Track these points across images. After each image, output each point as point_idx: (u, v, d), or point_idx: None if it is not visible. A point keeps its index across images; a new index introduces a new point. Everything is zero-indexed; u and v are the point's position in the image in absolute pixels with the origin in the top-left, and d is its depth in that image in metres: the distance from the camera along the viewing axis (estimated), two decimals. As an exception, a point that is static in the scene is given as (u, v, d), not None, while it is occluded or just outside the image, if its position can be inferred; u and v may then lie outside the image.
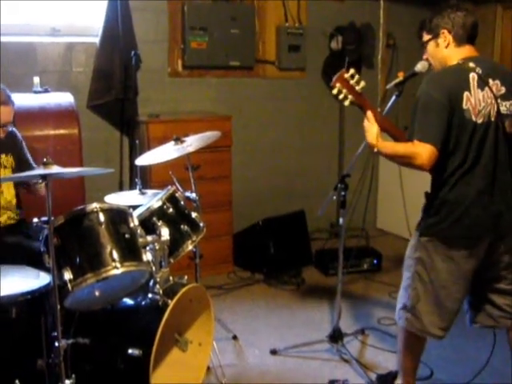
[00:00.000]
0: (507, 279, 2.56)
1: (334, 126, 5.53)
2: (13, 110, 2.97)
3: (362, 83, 2.52)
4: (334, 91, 2.52)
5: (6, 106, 2.91)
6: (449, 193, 2.42)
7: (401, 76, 2.67)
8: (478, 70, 2.40)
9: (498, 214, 2.43)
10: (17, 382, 2.29)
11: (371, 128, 2.50)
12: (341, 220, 3.25)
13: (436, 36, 2.51)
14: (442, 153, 2.35)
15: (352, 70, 2.53)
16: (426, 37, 2.57)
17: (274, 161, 5.29)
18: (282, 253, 4.62)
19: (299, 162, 5.42)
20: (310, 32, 5.15)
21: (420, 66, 2.66)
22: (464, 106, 2.35)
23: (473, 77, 2.39)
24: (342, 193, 3.17)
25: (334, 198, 3.22)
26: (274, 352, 3.36)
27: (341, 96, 2.52)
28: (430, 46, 2.56)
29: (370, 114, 2.51)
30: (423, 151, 2.31)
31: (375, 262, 4.71)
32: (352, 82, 2.51)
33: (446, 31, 2.48)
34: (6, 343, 2.33)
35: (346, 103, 2.54)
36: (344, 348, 3.31)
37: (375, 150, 2.48)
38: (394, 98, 2.75)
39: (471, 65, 2.41)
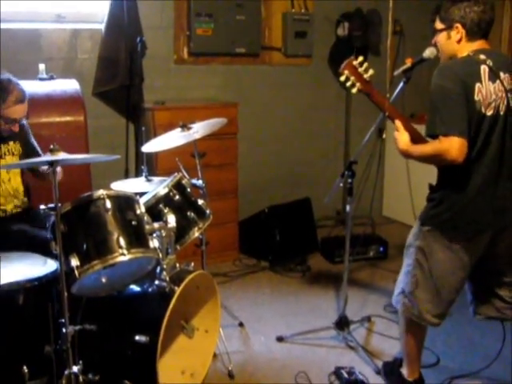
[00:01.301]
0: (510, 272, 2.56)
1: (340, 113, 5.51)
2: (27, 105, 2.97)
3: (371, 71, 2.51)
4: (342, 78, 2.51)
5: (21, 105, 2.93)
6: (453, 185, 2.41)
7: (409, 62, 2.65)
8: (489, 62, 2.35)
9: (501, 208, 2.42)
10: (24, 368, 2.31)
11: (402, 136, 2.46)
12: (348, 207, 3.24)
13: (449, 28, 2.44)
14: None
15: (360, 58, 2.51)
16: (439, 25, 2.49)
17: (280, 148, 5.27)
18: (287, 240, 4.61)
19: (305, 149, 5.40)
20: (317, 18, 5.11)
21: (428, 52, 2.63)
22: (475, 98, 2.31)
23: (484, 69, 2.34)
24: (349, 180, 3.16)
25: (341, 185, 3.22)
26: (280, 339, 3.37)
27: (348, 83, 2.50)
28: (442, 36, 2.49)
29: (398, 123, 2.48)
30: (451, 145, 2.25)
31: (381, 249, 4.71)
32: (360, 69, 2.49)
33: (459, 26, 2.41)
34: (13, 330, 2.35)
35: (354, 91, 2.52)
36: (350, 335, 3.31)
37: (407, 155, 2.46)
38: (401, 84, 2.73)
39: (482, 57, 2.36)
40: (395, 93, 2.74)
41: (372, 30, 5.15)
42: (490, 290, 2.62)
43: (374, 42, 5.25)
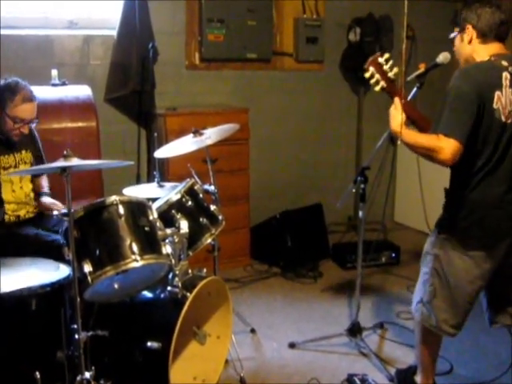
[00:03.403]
0: None
1: (351, 119, 5.49)
2: (36, 105, 2.99)
3: (395, 69, 2.47)
4: (367, 74, 2.47)
5: (30, 103, 2.95)
6: (471, 193, 2.38)
7: (422, 68, 2.62)
8: (511, 69, 2.32)
9: None
10: (37, 373, 2.30)
11: (397, 115, 2.44)
12: (360, 213, 3.22)
13: (462, 30, 2.45)
14: (468, 151, 2.28)
15: (387, 55, 2.47)
16: (455, 29, 2.50)
17: (292, 154, 5.26)
18: (299, 246, 4.60)
19: (317, 155, 5.39)
20: (328, 24, 5.11)
21: (442, 58, 2.61)
22: (494, 106, 2.28)
23: (505, 76, 2.31)
24: (362, 186, 3.14)
25: (354, 190, 3.20)
26: (292, 345, 3.35)
27: (372, 80, 2.47)
28: (457, 40, 2.50)
29: (397, 100, 2.46)
30: (447, 146, 2.24)
31: (393, 255, 4.68)
32: (386, 67, 2.45)
33: (470, 26, 2.41)
34: (25, 335, 2.34)
35: (377, 88, 2.49)
36: (363, 342, 3.29)
37: (398, 138, 2.42)
38: (415, 89, 2.70)
39: (504, 63, 2.33)
40: (408, 98, 2.71)
41: (384, 35, 5.13)
42: (505, 298, 2.58)
43: (386, 48, 5.22)
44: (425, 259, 2.61)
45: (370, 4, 5.22)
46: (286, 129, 5.20)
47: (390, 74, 2.47)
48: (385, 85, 2.48)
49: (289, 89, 5.13)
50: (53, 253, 2.56)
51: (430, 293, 2.55)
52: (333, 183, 5.35)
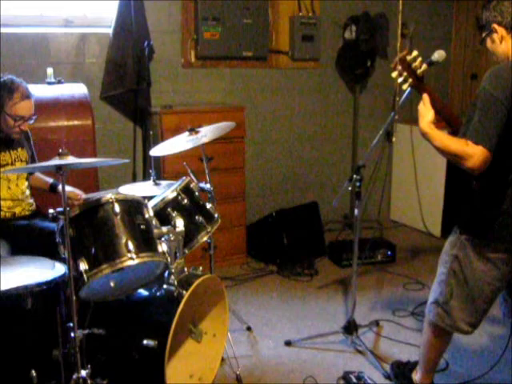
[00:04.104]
0: None
1: (347, 117, 5.50)
2: (33, 102, 2.99)
3: (424, 66, 2.41)
4: (394, 74, 2.42)
5: (28, 100, 2.96)
6: (499, 194, 2.33)
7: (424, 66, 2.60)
8: None
9: None
10: (33, 372, 2.30)
11: (426, 113, 2.34)
12: (356, 211, 3.22)
13: (490, 32, 2.39)
14: (498, 153, 2.21)
15: (415, 52, 2.40)
16: (482, 35, 2.44)
17: (287, 152, 5.27)
18: (295, 244, 4.61)
19: (312, 153, 5.40)
20: (324, 22, 5.12)
21: (437, 55, 2.57)
22: None
23: None
24: (358, 184, 3.14)
25: (350, 188, 3.20)
26: (288, 343, 3.36)
27: (400, 79, 2.41)
28: (488, 44, 2.43)
29: (426, 96, 2.38)
30: (476, 153, 2.17)
31: (389, 253, 4.69)
32: (414, 64, 2.39)
33: (495, 25, 2.35)
34: (21, 333, 2.34)
35: (405, 87, 2.43)
36: (359, 339, 3.30)
37: (426, 137, 2.33)
38: (409, 88, 2.69)
39: None
40: (403, 96, 2.71)
41: (379, 33, 5.14)
42: None
43: (382, 46, 5.24)
44: (443, 259, 2.57)
45: (366, 2, 5.24)
46: (281, 127, 5.20)
47: (419, 71, 2.40)
48: (413, 82, 2.41)
49: (285, 87, 5.14)
50: (48, 249, 2.56)
51: (446, 293, 2.52)
52: (329, 181, 5.36)
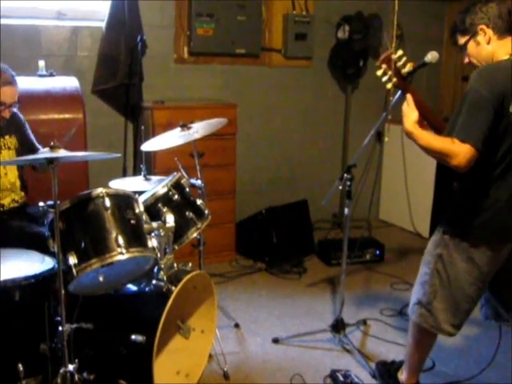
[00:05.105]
0: None
1: (339, 116, 5.51)
2: (17, 89, 2.95)
3: (409, 66, 2.43)
4: (379, 72, 2.44)
5: (10, 86, 2.90)
6: (481, 193, 2.35)
7: (410, 66, 2.61)
8: None
9: None
10: (20, 365, 2.29)
11: (410, 113, 2.36)
12: (346, 210, 3.24)
13: (474, 34, 2.39)
14: (482, 153, 2.22)
15: (400, 51, 2.43)
16: (462, 39, 2.45)
17: (279, 150, 5.27)
18: (284, 242, 4.61)
19: (303, 152, 5.41)
20: (317, 21, 5.11)
21: (430, 57, 2.58)
22: (511, 110, 2.23)
23: None
24: (348, 183, 3.15)
25: (340, 187, 3.21)
26: (275, 341, 3.36)
27: (385, 78, 2.43)
28: (471, 47, 2.43)
29: (409, 97, 2.39)
30: (462, 151, 2.18)
31: (378, 253, 4.71)
32: (399, 64, 2.42)
33: (483, 26, 2.36)
34: (9, 327, 2.33)
35: (389, 86, 2.45)
36: (346, 338, 3.31)
37: (411, 137, 2.36)
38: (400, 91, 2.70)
39: None
40: (396, 96, 2.70)
41: (372, 33, 5.15)
42: (502, 298, 2.59)
43: (374, 46, 5.25)
44: (426, 259, 2.57)
45: (360, 2, 5.24)
46: (273, 124, 5.20)
47: (404, 71, 2.43)
48: (397, 82, 2.43)
49: (277, 85, 5.14)
50: (38, 244, 2.54)
51: (430, 294, 2.53)
52: (319, 180, 5.37)
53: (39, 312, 2.37)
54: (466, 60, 2.50)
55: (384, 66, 2.43)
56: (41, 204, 2.23)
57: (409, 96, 2.41)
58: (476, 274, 2.43)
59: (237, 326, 3.52)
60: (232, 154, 4.49)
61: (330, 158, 5.56)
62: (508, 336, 2.71)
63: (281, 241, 4.59)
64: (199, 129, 3.09)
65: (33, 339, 2.37)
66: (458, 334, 2.58)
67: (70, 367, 2.27)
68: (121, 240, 2.27)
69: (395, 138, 5.27)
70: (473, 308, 2.55)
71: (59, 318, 2.25)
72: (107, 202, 2.31)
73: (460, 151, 2.19)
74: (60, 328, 2.25)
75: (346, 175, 3.14)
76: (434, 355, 3.16)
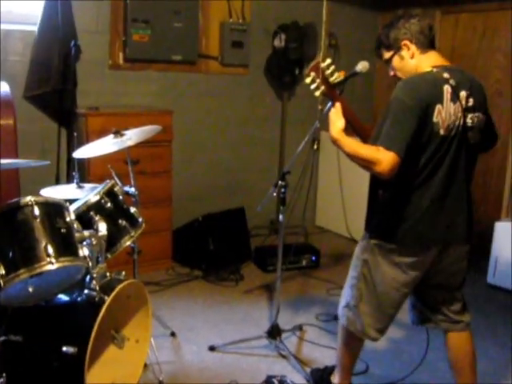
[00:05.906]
0: (451, 286, 2.60)
1: (275, 124, 5.56)
2: None
3: (336, 74, 2.48)
4: (308, 80, 2.46)
5: None
6: (404, 200, 2.39)
7: (342, 75, 2.65)
8: (452, 81, 2.34)
9: (448, 225, 2.43)
10: None
11: (337, 121, 2.40)
12: (281, 217, 3.27)
13: (398, 50, 2.46)
14: (405, 160, 2.27)
15: (329, 60, 2.47)
16: (386, 54, 2.52)
17: (215, 157, 5.28)
18: (221, 249, 4.61)
19: (240, 159, 5.43)
20: (254, 29, 5.16)
21: (361, 66, 2.63)
22: (434, 119, 2.29)
23: (447, 89, 2.32)
24: (282, 190, 3.18)
25: (274, 194, 3.24)
26: (212, 348, 3.36)
27: (313, 86, 2.46)
28: (395, 62, 2.50)
29: (338, 105, 2.43)
30: (386, 159, 2.22)
31: (313, 258, 4.77)
32: (327, 72, 2.45)
33: (407, 42, 2.43)
34: None
35: (317, 94, 2.48)
36: (282, 344, 3.34)
37: (337, 144, 2.39)
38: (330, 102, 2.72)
39: (445, 75, 2.35)
40: (328, 105, 2.74)
41: (307, 42, 5.24)
42: (428, 302, 2.66)
43: (310, 55, 5.33)
44: (354, 263, 2.62)
45: (296, 11, 5.32)
46: (210, 132, 5.20)
47: (332, 79, 2.47)
48: (326, 90, 2.48)
49: (214, 92, 5.14)
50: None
51: (356, 297, 2.57)
52: (256, 187, 5.40)
53: (-35, 325, 2.30)
54: (391, 73, 2.58)
55: (313, 73, 2.47)
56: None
57: (337, 104, 2.46)
58: (401, 279, 2.48)
59: (173, 334, 3.50)
60: (168, 161, 4.46)
61: (267, 164, 5.61)
62: (437, 336, 2.78)
63: (218, 248, 4.59)
64: (132, 136, 3.06)
65: (-42, 353, 2.29)
66: (382, 338, 2.63)
67: (-2, 381, 2.21)
68: (50, 249, 2.22)
69: (330, 145, 5.34)
70: (397, 313, 2.60)
71: (-14, 331, 2.18)
72: (36, 211, 2.25)
73: (384, 158, 2.23)
74: (-13, 341, 2.18)
75: (280, 182, 3.17)
76: (367, 358, 3.23)
